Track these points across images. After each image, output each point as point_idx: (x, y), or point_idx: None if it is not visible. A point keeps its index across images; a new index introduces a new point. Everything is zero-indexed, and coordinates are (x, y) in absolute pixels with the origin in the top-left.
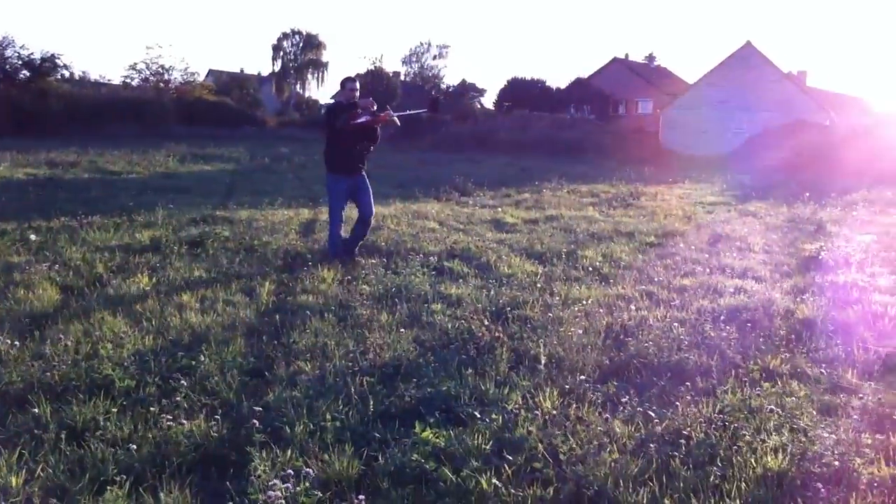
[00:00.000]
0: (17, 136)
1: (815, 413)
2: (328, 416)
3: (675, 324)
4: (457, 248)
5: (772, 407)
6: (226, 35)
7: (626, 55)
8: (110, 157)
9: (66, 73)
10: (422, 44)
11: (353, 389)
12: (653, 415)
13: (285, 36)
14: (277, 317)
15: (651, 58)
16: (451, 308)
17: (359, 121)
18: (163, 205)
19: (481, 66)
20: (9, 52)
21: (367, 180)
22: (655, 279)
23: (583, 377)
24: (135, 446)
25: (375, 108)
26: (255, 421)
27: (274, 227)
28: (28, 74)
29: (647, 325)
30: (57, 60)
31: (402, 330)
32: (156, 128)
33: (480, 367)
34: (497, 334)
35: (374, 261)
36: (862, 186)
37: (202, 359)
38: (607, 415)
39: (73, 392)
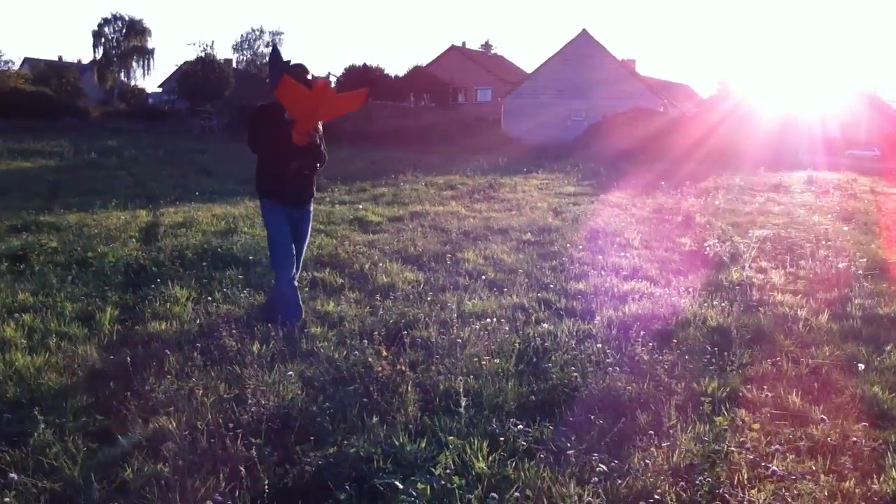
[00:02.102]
0: None
1: (783, 452)
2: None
3: (589, 340)
4: (324, 255)
5: (735, 449)
6: (42, 21)
7: (464, 43)
8: None
9: None
10: (254, 30)
11: (235, 455)
12: (605, 468)
13: (106, 21)
14: (126, 352)
15: (487, 46)
16: (333, 330)
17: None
18: None
19: (316, 53)
20: None
21: (311, 217)
22: (547, 284)
23: (510, 420)
24: None
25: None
26: None
27: (110, 234)
28: None
29: (558, 343)
30: None
31: (282, 365)
32: None
33: (386, 411)
34: (399, 366)
35: (231, 272)
36: (710, 173)
37: (35, 421)
38: (557, 474)
39: None
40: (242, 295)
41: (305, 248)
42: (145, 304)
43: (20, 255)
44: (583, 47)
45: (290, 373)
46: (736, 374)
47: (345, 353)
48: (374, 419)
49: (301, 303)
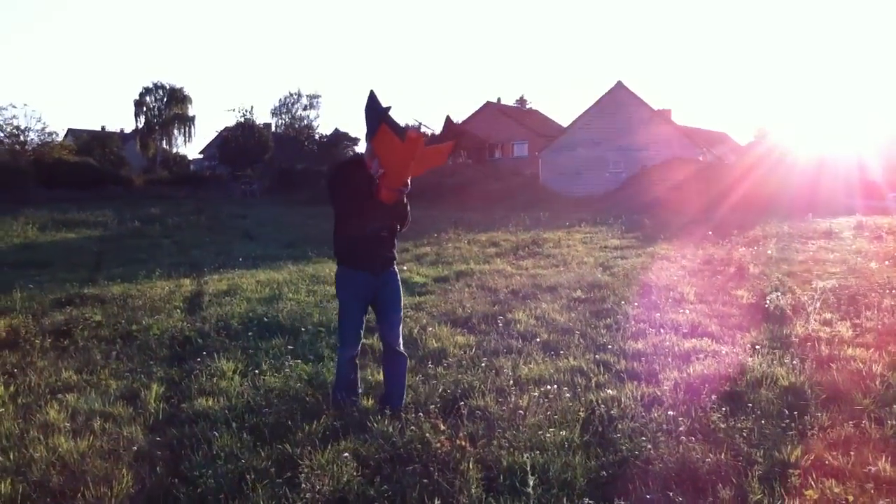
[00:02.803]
0: None
1: None
2: None
3: (657, 405)
4: (371, 320)
5: None
6: (85, 92)
7: (499, 99)
8: None
9: None
10: (291, 94)
11: None
12: None
13: (148, 91)
14: (172, 432)
15: (522, 101)
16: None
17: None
18: (22, 284)
19: (353, 114)
20: None
21: (398, 280)
22: (604, 344)
23: (582, 500)
24: None
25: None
26: None
27: (154, 305)
28: None
29: (624, 410)
30: None
31: (334, 442)
32: (12, 193)
33: (448, 493)
34: (458, 441)
35: (277, 341)
36: (755, 220)
37: None
38: None
39: None
40: (289, 366)
41: (402, 315)
42: (191, 378)
43: (64, 331)
44: (618, 98)
45: (346, 454)
46: (818, 439)
47: (400, 427)
48: (437, 502)
49: (399, 381)
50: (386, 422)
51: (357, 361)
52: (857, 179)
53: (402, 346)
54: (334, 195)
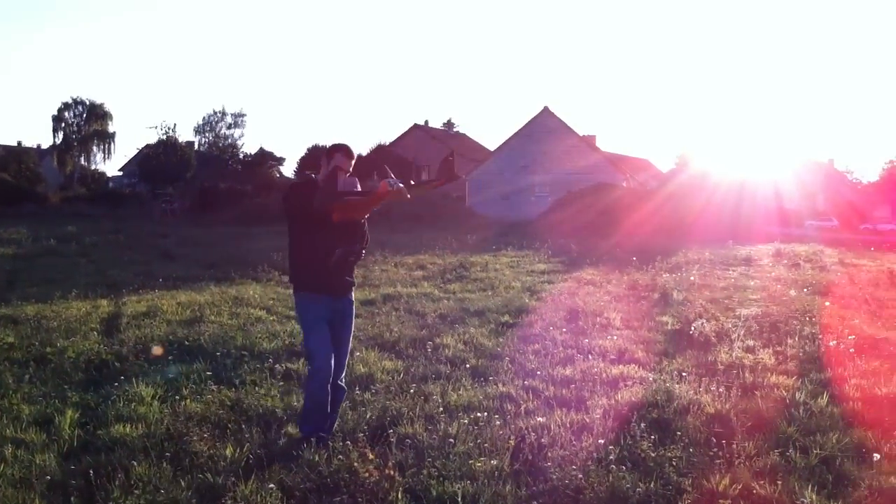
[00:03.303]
0: None
1: None
2: None
3: (586, 433)
4: (297, 344)
5: None
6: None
7: (426, 122)
8: None
9: None
10: (215, 112)
11: None
12: None
13: (67, 106)
14: (87, 461)
15: (450, 124)
16: None
17: (350, 193)
18: None
19: (278, 133)
20: None
21: (353, 306)
22: (533, 370)
23: None
24: None
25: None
26: None
27: (69, 327)
28: None
29: (554, 438)
30: None
31: (259, 472)
32: None
33: None
34: (387, 471)
35: (198, 365)
36: (678, 246)
37: None
38: None
39: None
40: (215, 393)
41: (349, 345)
42: (108, 404)
43: None
44: (544, 124)
45: (271, 484)
46: (745, 468)
47: (327, 456)
48: None
49: (335, 411)
50: (312, 450)
51: (328, 388)
52: (775, 207)
53: (343, 378)
54: (293, 219)
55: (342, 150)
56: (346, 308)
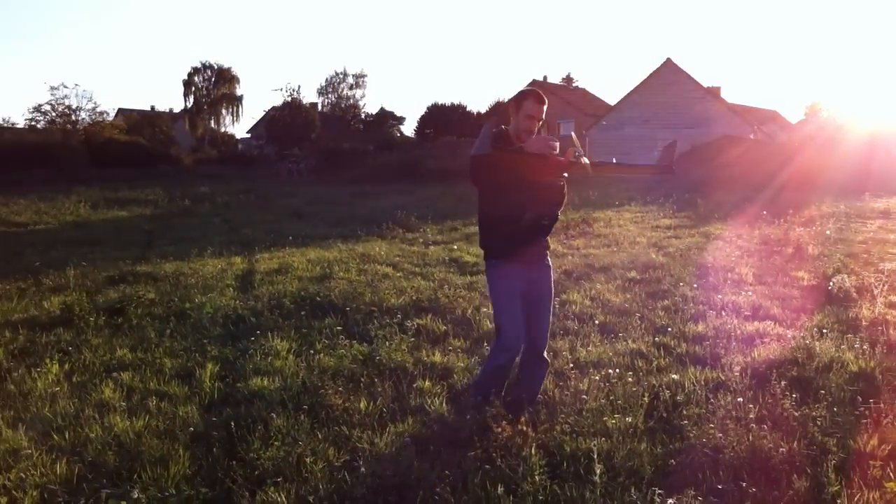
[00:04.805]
0: None
1: None
2: None
3: (723, 391)
4: (423, 300)
5: None
6: (135, 72)
7: (545, 77)
8: (15, 207)
9: None
10: (337, 73)
11: None
12: None
13: (196, 71)
14: (228, 413)
15: (569, 79)
16: (441, 384)
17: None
18: (75, 262)
19: (398, 93)
20: None
21: (551, 272)
22: (664, 327)
23: (651, 489)
24: None
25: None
26: None
27: (206, 284)
28: None
29: (689, 395)
30: None
31: (392, 425)
32: (65, 172)
33: (510, 479)
34: (520, 426)
35: (330, 321)
36: (809, 200)
37: (136, 495)
38: None
39: None
40: (343, 346)
41: (550, 315)
42: (246, 358)
43: (118, 308)
44: (667, 75)
45: (406, 437)
46: (893, 428)
47: (458, 410)
48: (500, 489)
49: (537, 384)
50: (443, 405)
51: (516, 355)
52: None
53: (546, 351)
54: (482, 178)
55: (532, 96)
56: (542, 275)
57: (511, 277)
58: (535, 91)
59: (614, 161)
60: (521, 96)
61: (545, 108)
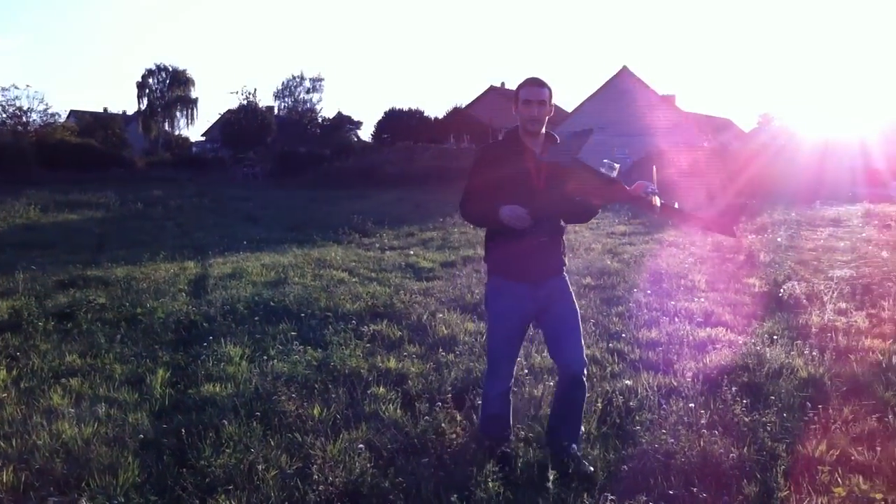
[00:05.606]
0: None
1: None
2: None
3: (675, 396)
4: (379, 305)
5: None
6: (88, 74)
7: (503, 83)
8: None
9: None
10: (294, 77)
11: None
12: None
13: (150, 72)
14: (179, 419)
15: None
16: (396, 390)
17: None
18: (24, 266)
19: (356, 97)
20: None
21: (568, 288)
22: (617, 332)
23: (603, 495)
24: None
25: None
26: None
27: (158, 288)
28: None
29: (641, 401)
30: None
31: (346, 432)
32: (14, 174)
33: (464, 485)
34: (475, 432)
35: (284, 326)
36: (761, 207)
37: (84, 503)
38: None
39: None
40: (297, 351)
41: (580, 331)
42: (198, 363)
43: (67, 313)
44: (623, 83)
45: (360, 444)
46: (841, 434)
47: (413, 417)
48: (454, 496)
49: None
50: (397, 411)
51: (510, 397)
52: (861, 167)
53: (585, 373)
54: (472, 198)
55: (527, 81)
56: (555, 292)
57: (510, 299)
58: (530, 78)
59: (676, 206)
60: (518, 86)
61: (546, 90)
